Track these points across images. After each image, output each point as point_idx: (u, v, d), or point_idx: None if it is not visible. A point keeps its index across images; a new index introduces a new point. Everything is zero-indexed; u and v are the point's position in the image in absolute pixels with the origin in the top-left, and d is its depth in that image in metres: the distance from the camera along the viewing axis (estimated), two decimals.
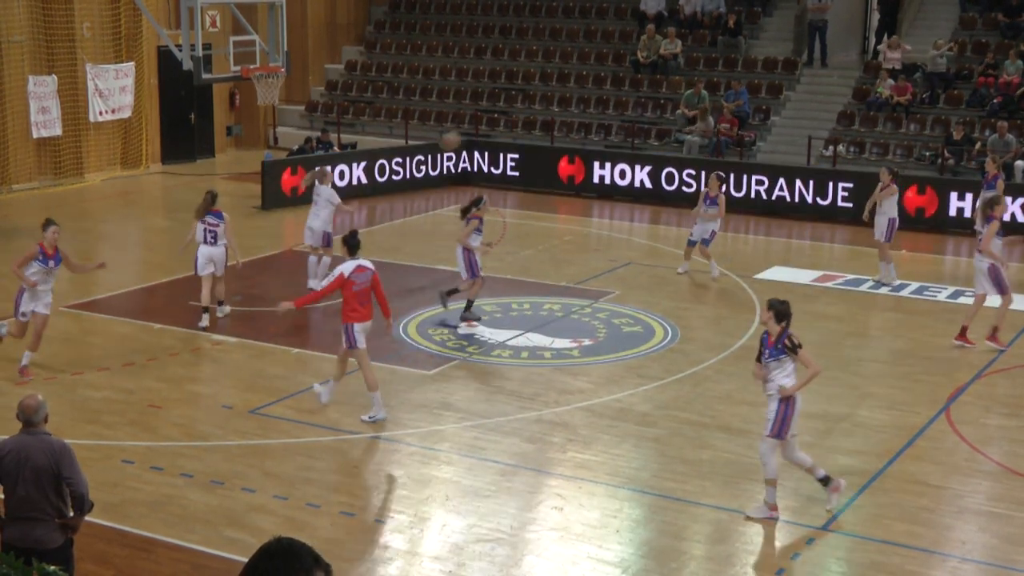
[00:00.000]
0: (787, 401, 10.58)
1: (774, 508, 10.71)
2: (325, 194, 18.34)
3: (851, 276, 19.78)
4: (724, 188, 20.84)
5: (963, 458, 12.29)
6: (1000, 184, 20.20)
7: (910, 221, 23.22)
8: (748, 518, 10.75)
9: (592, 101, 30.76)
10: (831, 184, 24.65)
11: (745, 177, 25.66)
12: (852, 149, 26.90)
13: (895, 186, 19.29)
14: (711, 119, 27.79)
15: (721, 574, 9.85)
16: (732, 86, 28.90)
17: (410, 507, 11.07)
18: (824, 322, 17.12)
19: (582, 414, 13.32)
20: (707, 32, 31.53)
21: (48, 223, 14.32)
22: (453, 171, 28.12)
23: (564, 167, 27.46)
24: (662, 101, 29.97)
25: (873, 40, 31.00)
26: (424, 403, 13.65)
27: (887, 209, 19.15)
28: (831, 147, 26.63)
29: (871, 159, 26.55)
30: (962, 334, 15.96)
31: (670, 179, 26.40)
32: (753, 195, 25.48)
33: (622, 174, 26.72)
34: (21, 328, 14.43)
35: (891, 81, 27.79)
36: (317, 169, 19.00)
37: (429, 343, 15.91)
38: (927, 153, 26.09)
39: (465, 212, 17.15)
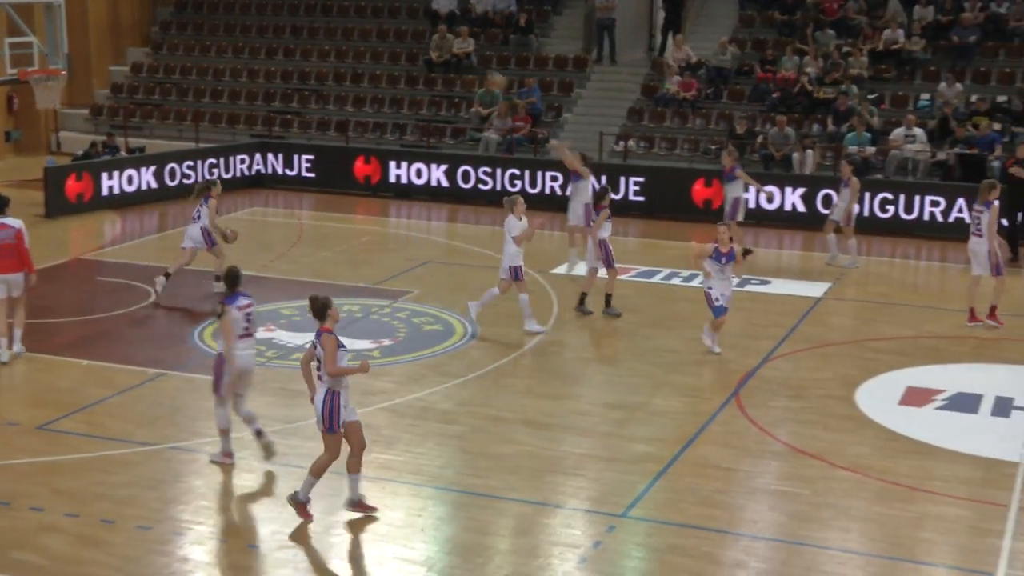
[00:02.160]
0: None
1: None
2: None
3: (644, 268, 20.27)
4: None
5: (753, 440, 12.74)
6: (741, 174, 20.71)
7: (698, 213, 23.96)
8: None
9: (387, 101, 30.70)
10: (623, 179, 25.20)
11: (540, 174, 26.01)
12: (642, 144, 27.57)
13: (856, 178, 20.68)
14: (509, 119, 28.06)
15: (525, 566, 9.96)
16: (524, 83, 29.26)
17: (210, 517, 10.83)
18: (624, 313, 17.49)
19: (384, 415, 13.27)
20: (499, 31, 31.84)
21: None
22: (247, 173, 27.64)
23: (360, 167, 27.30)
24: (456, 100, 30.12)
25: (659, 38, 31.84)
26: None
27: (847, 197, 20.50)
28: (622, 142, 27.25)
29: (660, 153, 27.29)
30: (972, 316, 17.12)
31: (466, 177, 26.55)
32: (548, 191, 25.83)
33: (418, 173, 26.74)
34: None
35: (677, 77, 28.60)
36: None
37: None
38: (712, 147, 26.94)
39: (599, 198, 17.34)
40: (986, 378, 14.85)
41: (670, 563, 10.08)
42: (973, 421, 13.44)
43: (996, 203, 17.21)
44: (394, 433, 12.65)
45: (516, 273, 16.39)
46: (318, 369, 10.54)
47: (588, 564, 9.98)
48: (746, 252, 19.84)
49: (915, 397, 14.16)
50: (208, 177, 19.25)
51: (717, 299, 15.49)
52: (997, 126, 24.80)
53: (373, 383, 14.22)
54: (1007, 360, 15.76)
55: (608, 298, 17.37)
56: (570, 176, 20.13)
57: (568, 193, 20.23)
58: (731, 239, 15.53)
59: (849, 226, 20.55)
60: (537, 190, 25.85)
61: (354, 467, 10.69)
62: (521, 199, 16.62)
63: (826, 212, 22.23)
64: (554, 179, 25.74)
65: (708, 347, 15.67)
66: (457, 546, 10.37)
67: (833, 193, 22.99)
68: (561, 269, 20.15)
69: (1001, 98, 26.27)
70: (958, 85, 26.44)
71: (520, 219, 16.36)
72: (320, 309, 10.55)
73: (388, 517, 10.79)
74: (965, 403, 13.94)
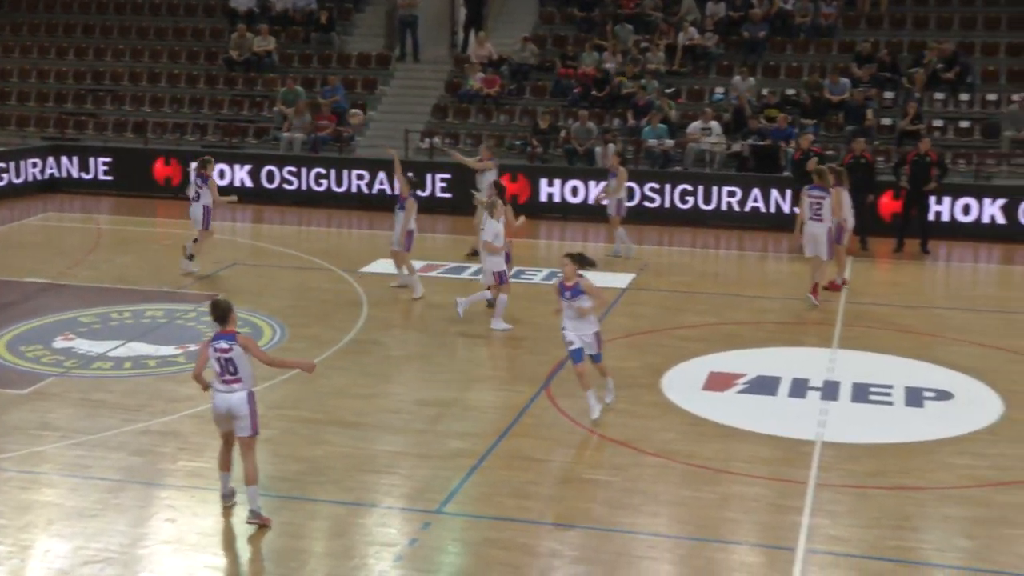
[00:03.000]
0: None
1: None
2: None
3: (453, 264, 20.35)
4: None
5: (564, 431, 12.93)
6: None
7: None
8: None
9: (186, 101, 30.01)
10: (430, 176, 25.25)
11: (346, 172, 25.85)
12: (448, 141, 27.64)
13: (623, 168, 21.36)
14: (308, 115, 27.77)
15: (341, 568, 9.88)
16: (327, 82, 29.00)
17: (9, 536, 10.40)
18: (431, 310, 17.54)
19: (192, 421, 12.98)
20: (300, 29, 31.47)
21: None
22: (39, 177, 26.65)
23: (160, 169, 26.65)
24: (258, 99, 29.65)
25: (462, 35, 31.99)
26: (20, 425, 12.85)
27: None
28: (427, 139, 27.28)
29: (465, 150, 27.39)
30: (816, 288, 18.14)
31: (271, 177, 26.20)
32: (355, 189, 25.69)
33: (221, 174, 26.21)
34: None
35: (480, 74, 28.78)
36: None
37: (21, 360, 15.00)
38: (517, 143, 27.22)
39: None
40: (783, 361, 15.42)
41: (486, 556, 10.15)
42: (772, 403, 13.94)
43: (839, 189, 18.15)
44: (203, 440, 12.36)
45: (501, 278, 16.55)
46: (232, 374, 10.37)
47: (404, 562, 9.96)
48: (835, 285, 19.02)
49: (717, 382, 14.60)
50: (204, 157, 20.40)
51: (571, 342, 13.04)
52: (789, 119, 25.75)
53: (179, 389, 13.89)
54: (802, 343, 16.40)
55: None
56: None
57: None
58: (578, 271, 12.97)
59: (618, 215, 21.12)
60: (343, 189, 25.70)
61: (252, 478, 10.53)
62: (500, 202, 16.72)
63: (630, 204, 22.75)
64: (360, 177, 25.62)
65: (592, 412, 13.10)
66: (271, 551, 10.21)
67: (635, 186, 23.59)
68: (369, 269, 20.06)
69: (790, 91, 27.30)
70: (750, 79, 27.37)
71: (498, 221, 16.41)
72: (224, 313, 10.49)
73: (198, 526, 10.55)
74: (764, 386, 14.44)
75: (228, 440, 10.76)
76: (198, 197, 19.42)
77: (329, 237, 22.57)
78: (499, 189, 17.66)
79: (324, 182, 25.85)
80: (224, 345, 10.42)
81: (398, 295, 18.31)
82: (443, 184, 25.28)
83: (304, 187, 25.98)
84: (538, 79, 29.11)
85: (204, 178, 19.37)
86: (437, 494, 11.21)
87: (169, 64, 31.22)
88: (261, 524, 10.49)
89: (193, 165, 20.92)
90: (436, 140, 27.26)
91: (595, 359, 13.22)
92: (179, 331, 16.37)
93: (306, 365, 11.03)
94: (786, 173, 24.41)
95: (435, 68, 30.60)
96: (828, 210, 18.04)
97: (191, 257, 19.38)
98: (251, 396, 10.51)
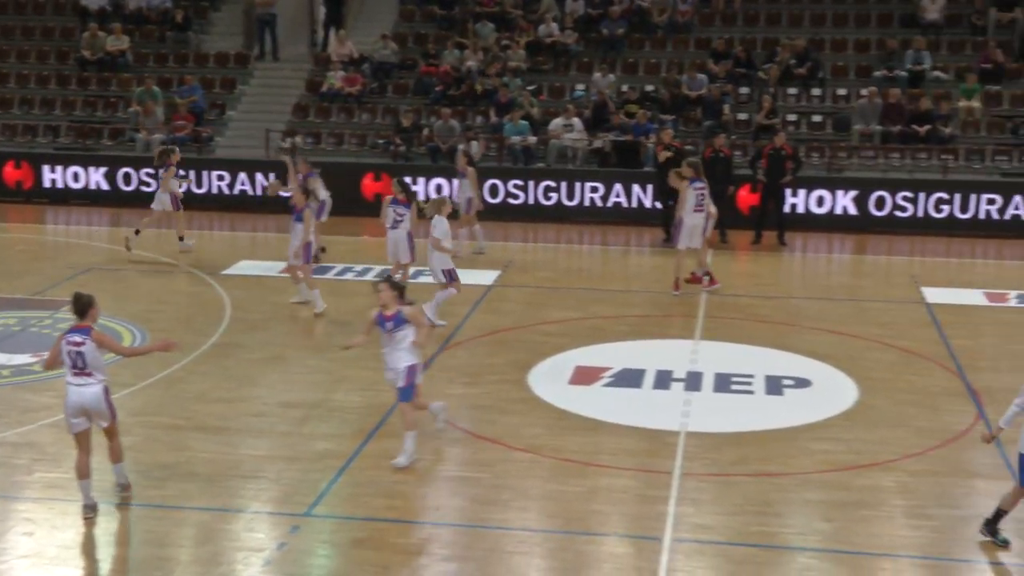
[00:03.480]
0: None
1: None
2: None
3: (316, 265, 20.13)
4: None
5: (432, 429, 12.90)
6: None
7: (369, 207, 23.96)
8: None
9: (37, 102, 29.14)
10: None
11: (205, 173, 25.43)
12: (309, 140, 27.38)
13: (472, 168, 21.33)
14: (158, 115, 27.24)
15: (208, 575, 9.72)
16: (184, 81, 28.47)
17: None
18: (297, 310, 17.35)
19: (49, 431, 12.61)
20: (155, 27, 30.83)
21: None
22: None
23: (10, 172, 25.86)
24: (113, 99, 28.95)
25: (321, 33, 31.70)
26: None
27: (467, 188, 21.21)
28: (288, 139, 26.97)
29: (328, 149, 27.18)
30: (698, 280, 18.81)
31: (127, 179, 25.63)
32: (215, 190, 25.29)
33: (75, 177, 25.60)
34: None
35: (341, 73, 28.57)
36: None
37: None
38: (380, 141, 27.09)
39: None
40: (648, 354, 15.64)
41: (356, 557, 10.09)
42: (637, 395, 14.13)
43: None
44: (60, 450, 12.02)
45: (450, 276, 16.50)
46: (81, 368, 10.36)
47: (273, 566, 9.84)
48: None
49: (584, 376, 14.75)
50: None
51: (393, 381, 11.82)
52: (648, 115, 26.12)
53: (35, 399, 13.52)
54: (665, 335, 16.66)
55: None
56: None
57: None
58: (400, 298, 11.79)
59: (469, 214, 21.12)
60: (204, 190, 25.26)
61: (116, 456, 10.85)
62: (448, 200, 17.11)
63: (494, 202, 22.84)
64: (220, 178, 25.24)
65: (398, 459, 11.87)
66: (135, 562, 10.00)
67: (499, 183, 23.70)
68: (232, 271, 19.77)
69: (649, 87, 27.69)
70: (610, 76, 27.69)
71: (444, 219, 16.49)
72: (84, 307, 10.52)
73: (58, 539, 10.27)
74: (629, 379, 14.63)
75: (83, 444, 10.55)
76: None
77: (190, 239, 22.05)
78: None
79: (184, 183, 25.33)
80: (77, 339, 10.40)
81: (270, 300, 18.09)
82: None
83: None
84: (400, 77, 29.01)
85: (166, 166, 20.72)
86: (305, 497, 11.10)
87: (18, 64, 30.28)
88: (126, 494, 10.81)
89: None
90: (297, 139, 26.97)
91: (401, 395, 11.73)
92: (35, 339, 15.90)
93: (164, 345, 11.14)
94: (647, 168, 24.76)
95: (295, 67, 30.26)
96: (709, 201, 18.47)
97: (181, 239, 20.98)
98: (107, 390, 10.54)
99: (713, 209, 19.05)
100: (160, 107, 27.45)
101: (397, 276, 16.88)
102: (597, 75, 27.64)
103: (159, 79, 28.66)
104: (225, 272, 19.74)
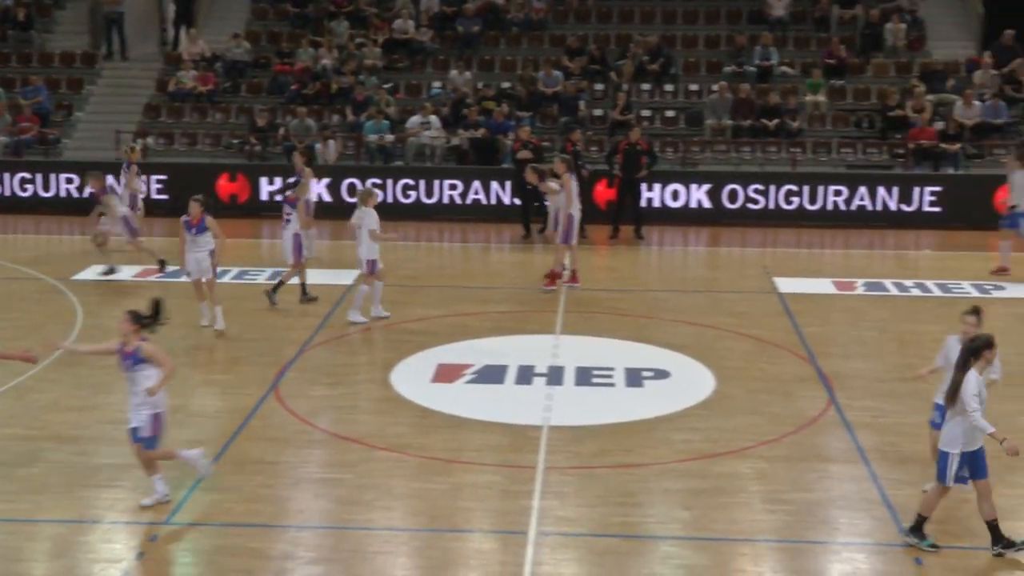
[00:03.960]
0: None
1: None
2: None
3: (173, 268, 19.75)
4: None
5: (294, 431, 12.79)
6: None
7: (226, 208, 23.63)
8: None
9: None
10: (145, 177, 24.39)
11: (53, 176, 24.75)
12: (161, 140, 26.84)
13: (309, 168, 20.55)
14: (8, 116, 26.42)
15: None
16: (29, 82, 27.64)
17: None
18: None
19: None
20: None
21: None
22: None
23: None
24: None
25: (172, 31, 31.08)
26: None
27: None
28: (140, 140, 26.38)
29: (181, 150, 26.69)
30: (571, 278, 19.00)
31: None
32: (64, 194, 24.62)
33: None
34: None
35: (193, 72, 28.06)
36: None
37: None
38: (235, 141, 26.70)
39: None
40: (510, 349, 15.72)
41: (218, 564, 9.93)
42: (500, 391, 14.20)
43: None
44: None
45: (373, 267, 16.53)
46: None
47: None
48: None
49: (446, 373, 14.76)
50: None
51: (128, 420, 10.86)
52: (505, 112, 26.23)
53: None
54: (526, 331, 16.76)
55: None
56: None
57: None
58: (140, 332, 10.78)
59: (308, 216, 20.36)
60: (51, 194, 24.58)
61: None
62: (376, 191, 17.69)
63: (352, 200, 22.62)
64: (69, 181, 24.59)
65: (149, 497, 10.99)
66: None
67: (358, 182, 23.56)
68: (82, 276, 19.27)
69: (506, 84, 27.84)
70: (467, 73, 27.75)
71: (373, 209, 16.57)
72: None
73: None
74: (492, 375, 14.69)
75: None
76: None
77: (38, 244, 21.55)
78: None
79: (30, 187, 24.66)
80: None
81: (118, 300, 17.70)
82: (159, 186, 24.52)
83: (8, 192, 24.71)
84: (254, 76, 28.63)
85: (128, 164, 20.86)
86: (165, 504, 10.87)
87: None
88: None
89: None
90: (149, 140, 26.41)
91: (145, 444, 10.74)
92: None
93: (26, 357, 10.58)
94: (505, 165, 24.88)
95: (145, 66, 29.62)
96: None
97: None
98: None
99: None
100: (3, 108, 26.57)
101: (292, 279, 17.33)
102: (454, 72, 27.68)
103: (1, 79, 27.77)
104: (76, 277, 19.22)
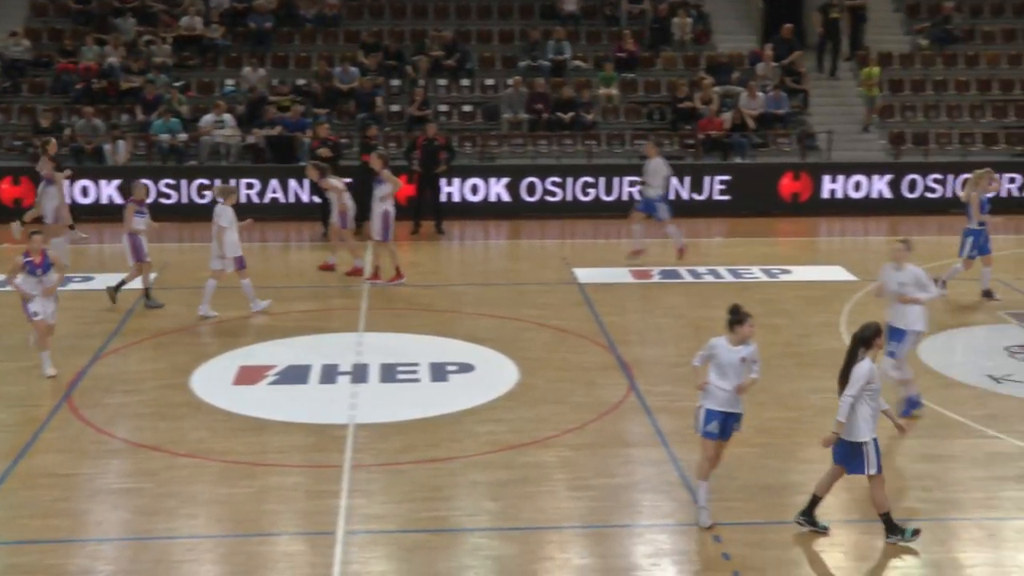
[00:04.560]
0: None
1: None
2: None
3: None
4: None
5: (90, 442, 12.38)
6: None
7: (8, 213, 22.65)
8: None
9: None
10: None
11: None
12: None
13: (59, 173, 19.42)
14: None
15: None
16: None
17: None
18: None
19: None
20: None
21: None
22: None
23: None
24: None
25: None
26: None
27: (54, 195, 19.15)
28: None
29: None
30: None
31: None
32: None
33: None
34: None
35: None
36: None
37: None
38: (17, 143, 25.63)
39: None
40: (313, 349, 15.57)
41: None
42: (304, 391, 14.05)
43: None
44: None
45: (241, 263, 16.98)
46: None
47: None
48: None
49: (248, 376, 14.52)
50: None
51: (35, 313, 14.03)
52: (302, 109, 25.93)
53: None
54: (329, 330, 16.63)
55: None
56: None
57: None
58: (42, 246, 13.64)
59: (58, 223, 19.22)
60: None
61: None
62: (234, 188, 18.19)
63: (148, 202, 22.02)
64: None
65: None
66: None
67: (151, 183, 22.94)
68: None
69: (301, 81, 27.51)
70: (260, 70, 27.31)
71: (229, 207, 16.87)
72: None
73: None
74: (295, 375, 14.52)
75: None
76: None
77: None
78: None
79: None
80: None
81: None
82: None
83: None
84: (35, 75, 27.52)
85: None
86: None
87: None
88: None
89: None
90: None
91: None
92: None
93: None
94: (303, 163, 24.57)
95: None
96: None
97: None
98: None
99: (351, 204, 19.34)
100: None
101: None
102: (247, 70, 27.20)
103: None
104: None
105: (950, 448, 12.38)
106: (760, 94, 26.85)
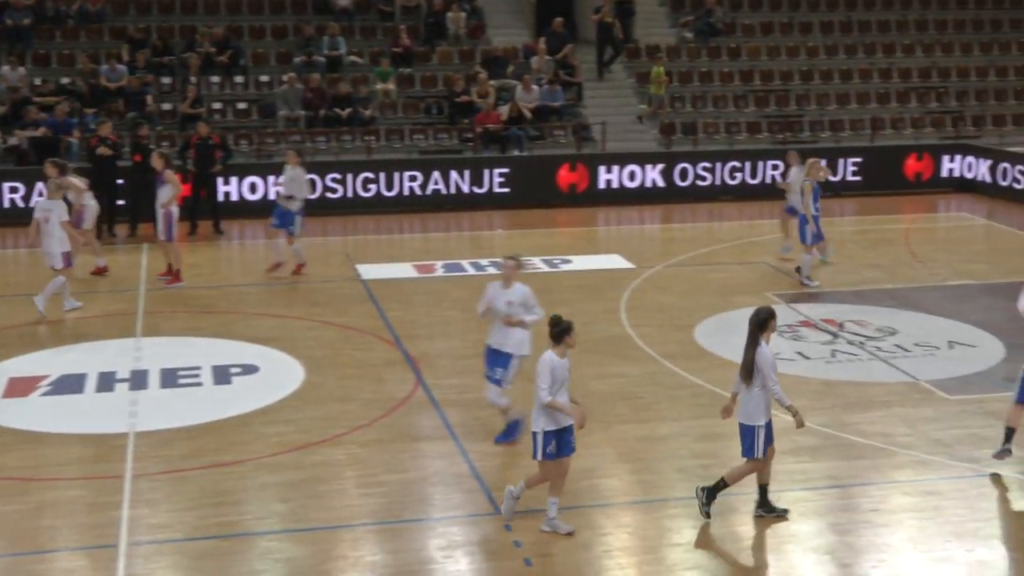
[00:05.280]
0: None
1: None
2: None
3: None
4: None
5: None
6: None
7: None
8: None
9: None
10: None
11: None
12: None
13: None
14: None
15: None
16: None
17: None
18: None
19: None
20: None
21: None
22: None
23: None
24: None
25: None
26: None
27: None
28: None
29: None
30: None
31: None
32: None
33: None
34: None
35: None
36: None
37: None
38: None
39: None
40: (88, 357, 15.03)
41: None
42: (81, 400, 13.55)
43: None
44: None
45: (68, 259, 16.73)
46: None
47: None
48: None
49: (18, 387, 13.91)
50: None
51: None
52: (68, 108, 24.94)
53: None
54: (104, 336, 16.07)
55: None
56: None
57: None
58: None
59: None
60: None
61: None
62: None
63: None
64: None
65: None
66: None
67: None
68: None
69: (65, 80, 26.47)
70: (20, 69, 26.15)
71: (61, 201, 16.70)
72: None
73: None
74: (70, 384, 13.99)
75: None
76: None
77: None
78: None
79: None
80: None
81: None
82: None
83: None
84: None
85: None
86: None
87: None
88: None
89: None
90: None
91: None
92: None
93: None
94: (76, 164, 23.64)
95: None
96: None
97: None
98: None
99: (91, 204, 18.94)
100: None
101: None
102: (6, 68, 25.99)
103: None
104: None
105: (728, 426, 12.82)
106: (535, 87, 27.26)
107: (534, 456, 10.17)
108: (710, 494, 10.48)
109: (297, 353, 15.20)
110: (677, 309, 17.23)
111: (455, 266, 20.14)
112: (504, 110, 26.84)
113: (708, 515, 10.46)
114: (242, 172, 24.24)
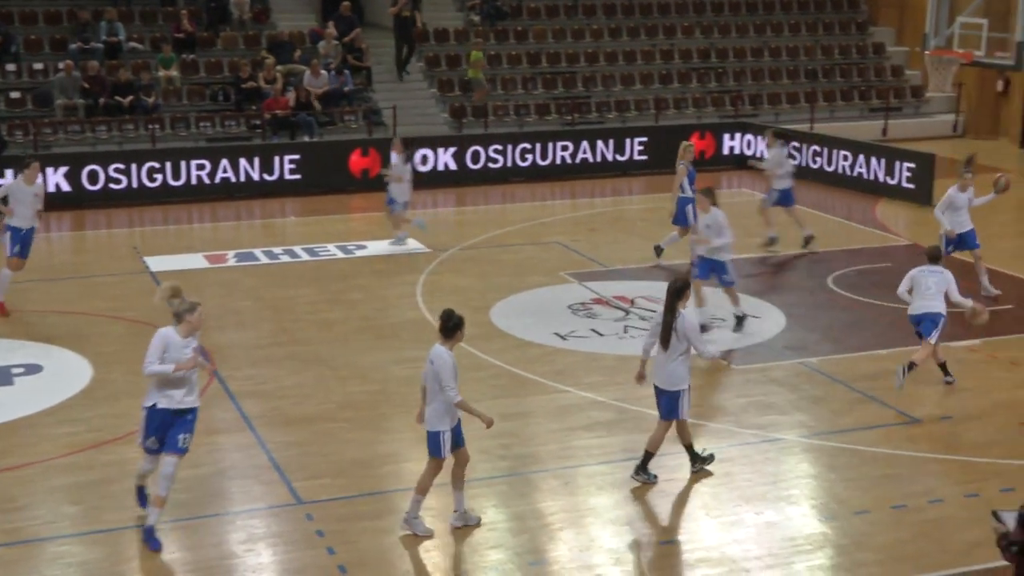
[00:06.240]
0: None
1: None
2: None
3: None
4: None
5: None
6: None
7: None
8: None
9: None
10: None
11: None
12: None
13: None
14: None
15: None
16: None
17: None
18: None
19: None
20: None
21: None
22: None
23: None
24: None
25: None
26: None
27: None
28: None
29: None
30: None
31: None
32: None
33: None
34: None
35: None
36: None
37: None
38: None
39: None
40: None
41: None
42: None
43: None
44: None
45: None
46: None
47: None
48: None
49: None
50: None
51: None
52: None
53: None
54: None
55: None
56: None
57: None
58: None
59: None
60: None
61: None
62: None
63: None
64: None
65: None
66: None
67: None
68: None
69: None
70: None
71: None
72: None
73: None
74: None
75: None
76: None
77: None
78: None
79: None
80: None
81: None
82: None
83: None
84: None
85: None
86: None
87: None
88: None
89: None
90: None
91: None
92: None
93: None
94: None
95: None
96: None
97: None
98: None
99: None
100: None
101: None
102: None
103: None
104: None
105: (526, 405, 13.05)
106: (324, 72, 26.98)
107: (439, 455, 9.97)
108: (642, 469, 11.00)
109: (84, 350, 14.70)
110: (473, 291, 17.36)
111: (247, 255, 19.78)
112: (292, 96, 26.49)
113: (655, 478, 11.03)
114: (18, 165, 23.19)
